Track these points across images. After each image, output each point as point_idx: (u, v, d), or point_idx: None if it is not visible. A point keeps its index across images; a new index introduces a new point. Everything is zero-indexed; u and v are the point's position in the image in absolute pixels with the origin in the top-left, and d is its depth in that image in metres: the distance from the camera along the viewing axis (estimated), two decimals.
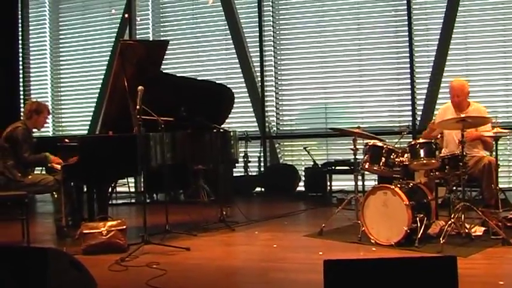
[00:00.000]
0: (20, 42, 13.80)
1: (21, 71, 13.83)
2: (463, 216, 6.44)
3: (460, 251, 5.99)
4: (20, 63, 13.80)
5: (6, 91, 12.48)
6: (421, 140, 6.83)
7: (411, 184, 6.81)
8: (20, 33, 13.73)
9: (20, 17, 13.70)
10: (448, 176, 6.75)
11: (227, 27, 12.53)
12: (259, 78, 12.35)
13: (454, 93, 7.25)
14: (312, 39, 12.15)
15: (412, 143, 6.85)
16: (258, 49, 12.36)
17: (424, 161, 6.65)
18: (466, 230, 6.46)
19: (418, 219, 6.35)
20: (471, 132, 6.94)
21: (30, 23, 14.11)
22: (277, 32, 12.41)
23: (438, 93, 11.00)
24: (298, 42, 12.29)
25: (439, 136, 7.40)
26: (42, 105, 7.87)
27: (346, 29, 11.93)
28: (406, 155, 6.78)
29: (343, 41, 11.95)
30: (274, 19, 12.39)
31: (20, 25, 13.73)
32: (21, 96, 13.82)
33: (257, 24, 12.35)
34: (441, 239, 6.12)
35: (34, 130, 7.86)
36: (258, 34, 12.36)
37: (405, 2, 11.28)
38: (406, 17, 11.29)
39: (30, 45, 14.14)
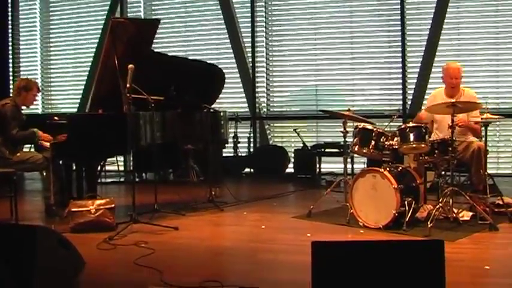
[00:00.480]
0: (10, 19, 13.68)
1: (10, 48, 13.71)
2: (451, 200, 6.48)
3: (447, 235, 6.01)
4: (10, 40, 13.68)
5: None
6: (411, 124, 6.83)
7: (400, 168, 6.83)
8: (9, 10, 13.61)
9: None
10: (437, 161, 6.76)
11: (219, 6, 12.45)
12: (250, 59, 12.31)
13: (452, 74, 7.24)
14: (304, 20, 12.11)
15: (402, 126, 6.85)
16: (250, 29, 12.31)
17: (414, 145, 6.65)
18: (454, 215, 6.49)
19: (406, 202, 6.37)
20: (463, 118, 6.97)
21: (20, 1, 13.97)
22: (269, 13, 12.36)
23: (429, 77, 11.01)
24: (290, 24, 12.26)
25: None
26: (31, 82, 7.82)
27: (338, 11, 11.89)
28: (395, 139, 6.79)
29: (335, 23, 11.92)
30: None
31: (9, 2, 13.59)
32: (11, 74, 13.71)
33: (249, 4, 12.30)
34: (429, 223, 6.15)
35: (23, 107, 7.81)
36: (249, 15, 12.31)
37: None
38: (398, 1, 11.25)
39: (20, 21, 14.01)
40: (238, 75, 12.35)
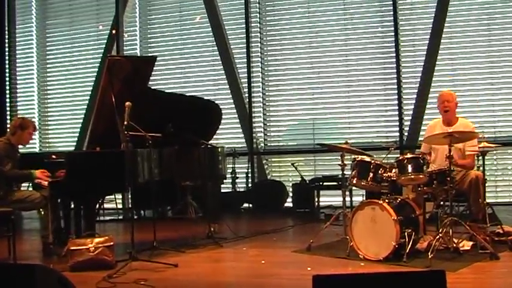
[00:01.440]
0: (7, 57, 13.76)
1: (7, 87, 13.77)
2: (451, 230, 6.46)
3: (448, 265, 5.99)
4: (7, 79, 13.73)
5: None
6: (408, 155, 6.84)
7: (399, 199, 6.82)
8: (6, 49, 13.69)
9: (6, 32, 13.66)
10: (436, 191, 6.76)
11: (214, 43, 12.55)
12: (246, 94, 12.36)
13: (443, 99, 7.33)
14: (300, 55, 12.20)
15: (400, 158, 6.86)
16: (246, 65, 12.37)
17: (412, 176, 6.65)
18: (454, 245, 6.47)
19: (406, 234, 6.35)
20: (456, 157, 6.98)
21: (17, 39, 14.07)
22: (265, 48, 12.45)
23: (425, 108, 11.06)
24: (285, 58, 12.34)
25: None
26: (27, 121, 7.84)
27: (333, 45, 11.99)
28: (393, 170, 6.79)
29: (330, 57, 12.00)
30: (261, 35, 12.44)
31: (6, 41, 13.69)
32: (8, 113, 13.75)
33: (244, 40, 12.38)
34: (429, 253, 6.13)
35: (20, 146, 7.81)
36: (245, 50, 12.39)
37: (392, 18, 11.35)
38: (393, 33, 11.36)
39: (17, 61, 14.11)
40: (235, 110, 12.38)
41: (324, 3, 12.03)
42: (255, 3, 12.41)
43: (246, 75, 12.37)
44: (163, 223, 9.30)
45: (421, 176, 6.62)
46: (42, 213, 7.66)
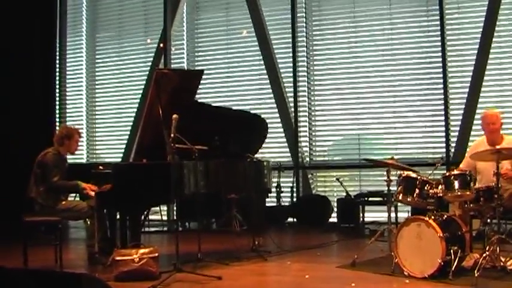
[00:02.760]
0: (58, 70, 13.97)
1: (57, 99, 13.97)
2: (498, 249, 6.36)
3: (495, 284, 5.91)
4: (57, 90, 13.93)
5: (42, 118, 12.61)
6: (455, 172, 6.78)
7: (445, 216, 6.75)
8: (57, 61, 13.91)
9: (58, 45, 13.89)
10: (483, 208, 6.68)
11: (261, 56, 12.60)
12: (292, 109, 12.37)
13: (488, 120, 7.24)
14: (346, 69, 12.15)
15: (447, 174, 6.80)
16: (292, 79, 12.38)
17: (459, 193, 6.59)
18: (502, 263, 6.37)
19: (452, 251, 6.28)
20: (508, 170, 6.89)
21: (67, 51, 14.33)
22: (311, 62, 12.44)
23: (472, 124, 10.89)
24: (331, 73, 12.31)
25: None
26: (71, 129, 7.98)
27: (380, 59, 11.91)
28: (440, 187, 6.73)
29: (376, 71, 11.92)
30: (308, 49, 12.43)
31: (57, 53, 13.90)
32: (57, 125, 13.94)
33: (291, 53, 12.39)
34: (476, 272, 6.04)
35: (68, 155, 7.94)
36: (291, 64, 12.40)
37: (439, 33, 11.25)
38: (440, 48, 11.24)
39: (67, 73, 14.35)
40: (280, 124, 12.40)
41: (370, 18, 11.99)
42: (302, 17, 12.41)
43: (292, 89, 12.37)
44: (207, 235, 9.34)
45: (468, 193, 6.55)
46: (89, 223, 7.77)
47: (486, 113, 7.45)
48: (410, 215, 8.71)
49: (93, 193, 7.42)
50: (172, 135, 6.63)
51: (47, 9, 13.26)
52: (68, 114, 14.33)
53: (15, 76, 11.78)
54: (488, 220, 6.84)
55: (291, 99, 12.38)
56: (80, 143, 8.18)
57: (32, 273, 4.38)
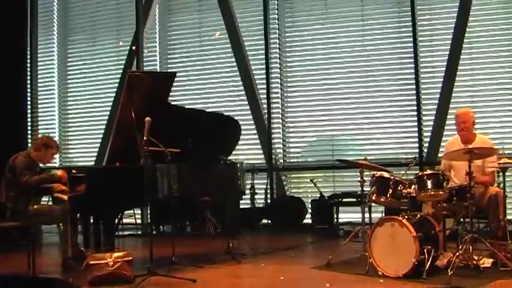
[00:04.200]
0: (29, 73, 13.85)
1: (29, 103, 13.84)
2: (471, 247, 6.43)
3: (468, 282, 5.96)
4: (28, 95, 13.81)
5: (14, 122, 12.48)
6: (428, 172, 6.83)
7: (419, 216, 6.79)
8: (28, 66, 13.79)
9: (28, 49, 13.78)
10: (456, 208, 6.73)
11: (234, 59, 12.59)
12: (265, 111, 12.37)
13: (459, 120, 7.33)
14: (319, 71, 12.17)
15: (419, 174, 6.85)
16: (265, 81, 12.39)
17: (432, 193, 6.64)
18: (475, 262, 6.43)
19: (425, 250, 6.32)
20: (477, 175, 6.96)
21: (38, 55, 14.19)
22: (284, 64, 12.45)
23: (445, 124, 10.95)
24: (304, 75, 12.32)
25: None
26: (53, 141, 7.91)
27: (353, 60, 11.94)
28: (413, 187, 6.79)
29: (349, 73, 11.96)
30: (280, 50, 12.43)
31: (28, 57, 13.80)
32: (29, 128, 13.83)
33: (264, 55, 12.40)
34: (449, 270, 6.10)
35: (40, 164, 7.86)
36: (264, 66, 12.40)
37: (411, 34, 11.32)
38: (412, 49, 11.30)
39: (38, 76, 14.21)
40: (254, 126, 12.39)
41: (342, 19, 12.03)
42: (274, 19, 12.42)
43: (265, 91, 12.37)
44: (182, 238, 9.31)
45: (440, 193, 6.60)
46: (62, 227, 7.71)
47: (458, 111, 7.56)
48: (384, 215, 8.74)
49: (66, 197, 7.35)
50: (145, 138, 6.61)
51: (17, 12, 13.11)
52: (40, 118, 14.18)
53: None
54: (461, 219, 6.90)
55: (264, 101, 12.38)
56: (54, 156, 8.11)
57: (3, 279, 4.34)
